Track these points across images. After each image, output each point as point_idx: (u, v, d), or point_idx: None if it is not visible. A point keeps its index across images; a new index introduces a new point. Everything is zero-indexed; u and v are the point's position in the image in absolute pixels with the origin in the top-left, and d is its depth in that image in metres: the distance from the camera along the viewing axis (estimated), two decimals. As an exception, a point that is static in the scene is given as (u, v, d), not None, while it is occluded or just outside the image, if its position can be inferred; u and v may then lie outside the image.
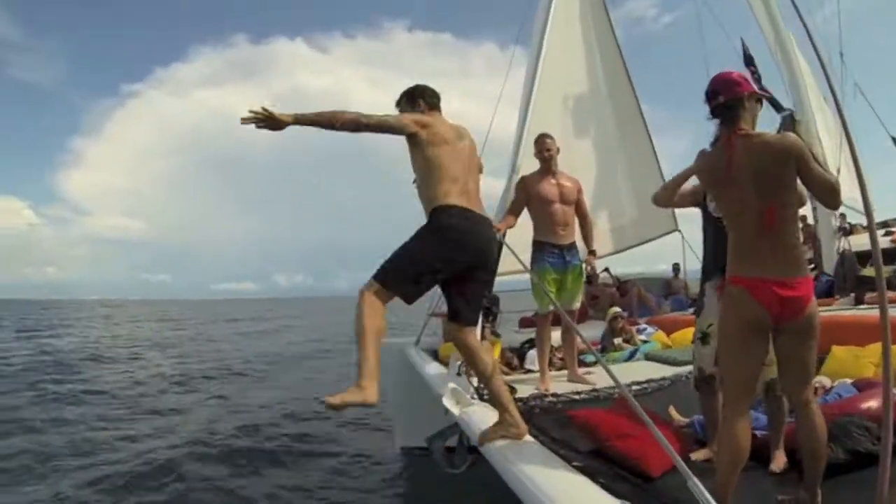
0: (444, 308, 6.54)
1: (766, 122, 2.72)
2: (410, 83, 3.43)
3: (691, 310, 8.25)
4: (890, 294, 2.55)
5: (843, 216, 9.21)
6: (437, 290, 5.91)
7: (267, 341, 26.17)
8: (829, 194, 2.33)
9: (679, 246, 10.25)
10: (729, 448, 2.29)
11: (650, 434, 2.89)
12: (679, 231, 10.01)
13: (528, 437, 3.06)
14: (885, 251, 6.78)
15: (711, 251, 3.26)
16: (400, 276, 2.96)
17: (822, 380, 3.90)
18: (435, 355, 5.96)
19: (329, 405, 2.67)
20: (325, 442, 8.23)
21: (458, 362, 4.17)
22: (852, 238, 8.74)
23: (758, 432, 2.94)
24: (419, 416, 4.89)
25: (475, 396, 3.77)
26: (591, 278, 8.03)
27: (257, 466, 7.01)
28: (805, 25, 2.83)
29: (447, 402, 3.64)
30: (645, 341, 6.77)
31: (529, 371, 5.87)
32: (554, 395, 4.50)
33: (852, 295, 7.11)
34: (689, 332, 5.84)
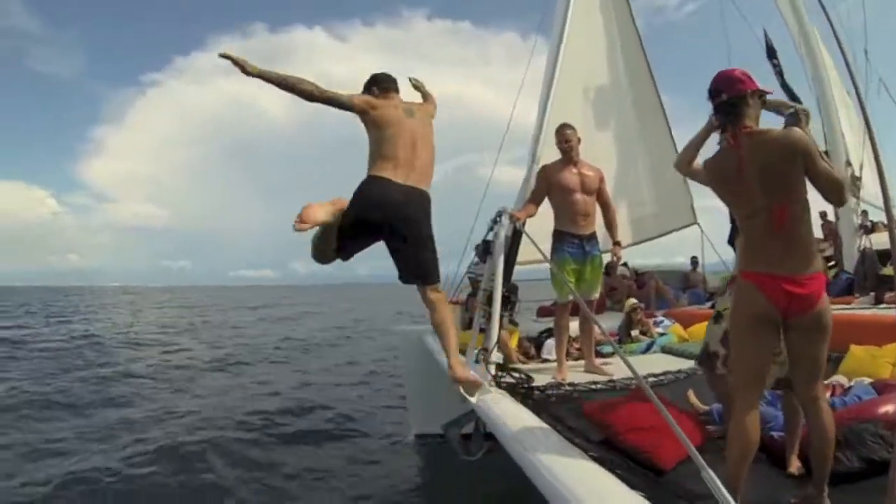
0: (462, 296, 6.63)
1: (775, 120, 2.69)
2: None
3: (709, 303, 8.25)
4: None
5: (864, 213, 9.03)
6: (455, 280, 5.97)
7: (290, 327, 26.48)
8: (834, 192, 2.32)
9: (698, 239, 10.23)
10: (738, 440, 2.30)
11: (664, 426, 2.91)
12: (698, 224, 9.97)
13: (544, 425, 3.08)
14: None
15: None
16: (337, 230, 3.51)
17: (840, 379, 3.87)
18: None
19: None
20: (342, 428, 8.34)
21: (476, 350, 4.19)
22: (873, 236, 8.59)
23: (775, 434, 2.97)
24: (435, 404, 4.93)
25: (492, 384, 3.80)
26: (610, 269, 8.04)
27: (274, 450, 7.19)
28: (830, 21, 2.82)
29: (464, 390, 3.67)
30: (662, 334, 6.76)
31: (546, 360, 5.90)
32: (571, 384, 4.53)
33: (872, 294, 7.01)
34: (705, 326, 5.82)
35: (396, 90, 3.82)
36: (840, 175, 2.32)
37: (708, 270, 10.70)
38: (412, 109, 3.68)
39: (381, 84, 3.77)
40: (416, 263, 3.61)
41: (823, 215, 10.12)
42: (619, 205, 8.35)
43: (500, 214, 4.65)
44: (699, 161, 2.82)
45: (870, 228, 8.88)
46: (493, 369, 3.93)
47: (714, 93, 2.49)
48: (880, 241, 8.33)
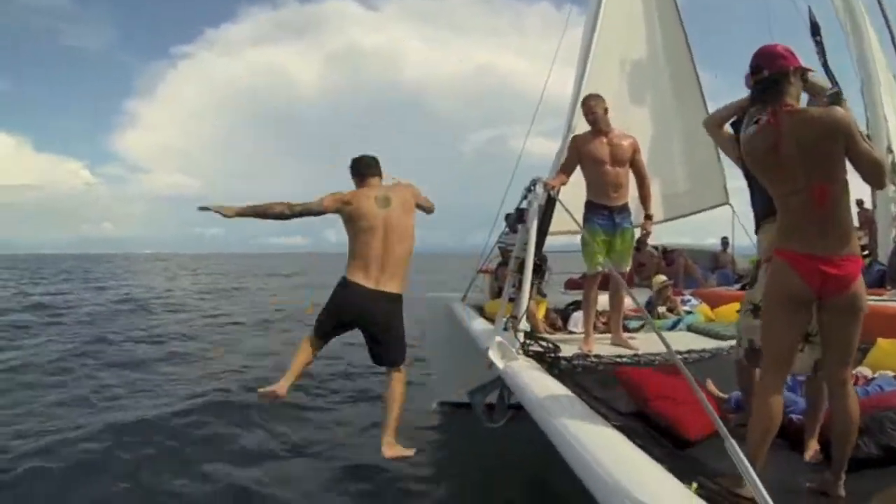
0: (492, 265, 6.70)
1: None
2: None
3: (737, 285, 8.20)
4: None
5: None
6: (485, 249, 6.05)
7: (322, 294, 26.84)
8: (875, 174, 2.27)
9: (729, 222, 10.13)
10: (761, 419, 2.31)
11: (690, 401, 2.95)
12: (730, 205, 9.86)
13: (569, 393, 3.11)
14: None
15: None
16: (318, 320, 4.01)
17: (864, 370, 3.82)
18: (481, 311, 6.05)
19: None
20: (363, 393, 8.55)
21: (505, 318, 4.24)
22: None
23: (794, 416, 2.98)
24: (459, 372, 5.01)
25: (520, 351, 3.85)
26: (640, 245, 8.02)
27: (299, 413, 7.51)
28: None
29: (492, 356, 3.73)
30: (688, 312, 6.75)
31: (572, 333, 5.93)
32: (596, 356, 4.55)
33: None
34: (733, 307, 5.78)
35: (376, 174, 4.08)
36: (881, 156, 2.28)
37: (738, 253, 10.60)
38: (388, 197, 3.88)
39: (359, 171, 4.07)
40: (385, 354, 4.04)
41: (860, 203, 9.92)
42: (652, 181, 8.28)
43: (534, 183, 4.67)
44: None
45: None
46: (521, 337, 3.98)
47: (755, 69, 2.45)
48: None
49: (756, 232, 3.22)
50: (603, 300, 5.61)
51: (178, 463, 5.72)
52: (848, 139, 2.19)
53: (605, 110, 5.02)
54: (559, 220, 4.78)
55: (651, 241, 10.06)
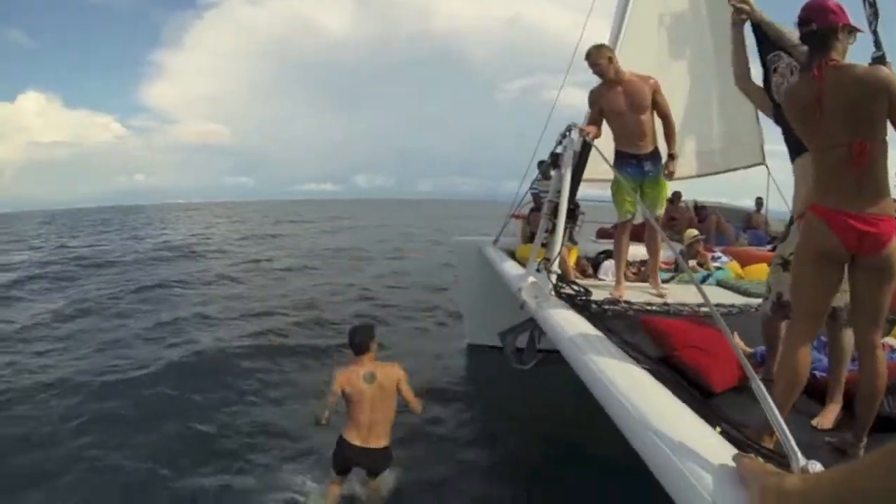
0: (525, 210, 6.74)
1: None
2: None
3: (769, 245, 8.13)
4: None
5: None
6: (518, 195, 6.10)
7: (354, 238, 27.78)
8: None
9: (765, 185, 9.97)
10: (787, 372, 2.32)
11: (717, 352, 3.00)
12: (766, 165, 9.70)
13: (600, 334, 3.16)
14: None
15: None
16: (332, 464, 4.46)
17: (890, 341, 3.69)
18: (512, 256, 6.10)
19: None
20: (392, 330, 8.77)
21: (538, 261, 4.30)
22: None
23: (818, 373, 2.96)
24: (490, 315, 5.08)
25: (552, 293, 3.91)
26: (674, 198, 7.95)
27: (314, 348, 8.02)
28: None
29: (525, 296, 3.78)
30: (718, 268, 6.74)
31: (602, 280, 5.94)
32: (627, 302, 4.58)
33: None
34: (763, 267, 5.74)
35: (368, 350, 4.49)
36: None
37: (771, 216, 10.47)
38: (374, 374, 4.35)
39: (355, 348, 4.48)
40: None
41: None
42: (687, 137, 8.13)
43: (569, 129, 4.65)
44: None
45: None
46: (553, 279, 4.03)
47: (803, 21, 2.39)
48: None
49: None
50: (633, 251, 5.60)
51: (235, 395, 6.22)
52: (891, 98, 2.15)
53: (610, 59, 4.84)
54: (593, 167, 4.78)
55: (685, 196, 9.99)
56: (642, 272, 5.94)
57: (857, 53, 2.43)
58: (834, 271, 2.32)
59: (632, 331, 3.62)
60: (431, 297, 11.92)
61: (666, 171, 4.99)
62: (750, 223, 10.64)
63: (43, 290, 13.04)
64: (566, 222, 4.40)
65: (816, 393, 2.83)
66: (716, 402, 2.79)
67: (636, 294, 5.01)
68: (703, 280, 6.30)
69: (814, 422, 2.66)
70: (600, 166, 4.88)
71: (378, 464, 4.43)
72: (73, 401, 6.04)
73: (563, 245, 4.49)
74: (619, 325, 3.76)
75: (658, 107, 4.94)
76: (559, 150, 4.72)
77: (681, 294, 4.99)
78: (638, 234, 5.62)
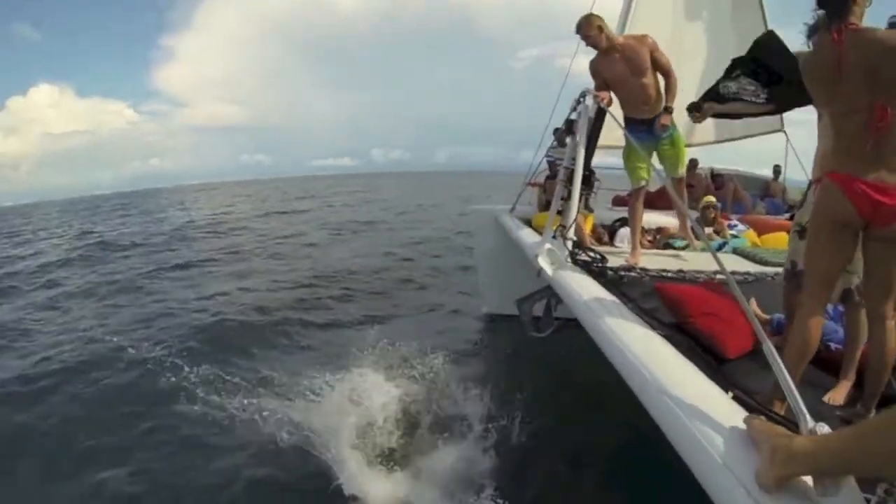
0: (541, 178, 6.73)
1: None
2: None
3: (787, 214, 8.08)
4: None
5: None
6: (534, 163, 6.10)
7: (371, 211, 27.94)
8: None
9: (783, 155, 9.89)
10: (798, 339, 2.31)
11: (731, 318, 3.02)
12: (784, 132, 9.58)
13: (615, 300, 3.18)
14: None
15: None
16: None
17: None
18: (528, 224, 6.11)
19: None
20: (411, 299, 8.87)
21: (554, 228, 4.31)
22: None
23: (833, 345, 2.98)
24: (507, 283, 5.10)
25: (568, 259, 3.93)
26: (692, 165, 7.89)
27: (340, 317, 8.18)
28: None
29: (542, 263, 3.81)
30: (734, 236, 6.72)
31: (618, 248, 5.97)
32: (643, 268, 4.60)
33: None
34: (780, 236, 5.72)
35: None
36: None
37: (790, 184, 10.38)
38: None
39: None
40: None
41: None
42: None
43: (583, 95, 4.63)
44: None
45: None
46: (569, 245, 4.05)
47: None
48: None
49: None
50: (648, 218, 5.59)
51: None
52: None
53: (600, 28, 4.74)
54: (607, 133, 4.77)
55: (702, 164, 9.91)
56: (658, 240, 5.95)
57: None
58: (848, 239, 2.30)
59: (647, 297, 3.64)
60: (449, 267, 12.02)
61: (659, 123, 4.94)
62: (767, 191, 10.54)
63: (73, 273, 13.09)
64: (582, 189, 4.40)
65: (831, 366, 2.83)
66: (729, 370, 2.81)
67: (652, 261, 5.02)
68: (719, 248, 6.29)
69: (825, 397, 2.66)
70: (615, 132, 4.88)
71: None
72: (133, 374, 6.19)
73: (578, 212, 4.51)
74: (634, 291, 3.78)
75: (658, 64, 4.87)
76: (573, 116, 4.70)
77: (697, 261, 4.99)
78: (652, 202, 5.61)
